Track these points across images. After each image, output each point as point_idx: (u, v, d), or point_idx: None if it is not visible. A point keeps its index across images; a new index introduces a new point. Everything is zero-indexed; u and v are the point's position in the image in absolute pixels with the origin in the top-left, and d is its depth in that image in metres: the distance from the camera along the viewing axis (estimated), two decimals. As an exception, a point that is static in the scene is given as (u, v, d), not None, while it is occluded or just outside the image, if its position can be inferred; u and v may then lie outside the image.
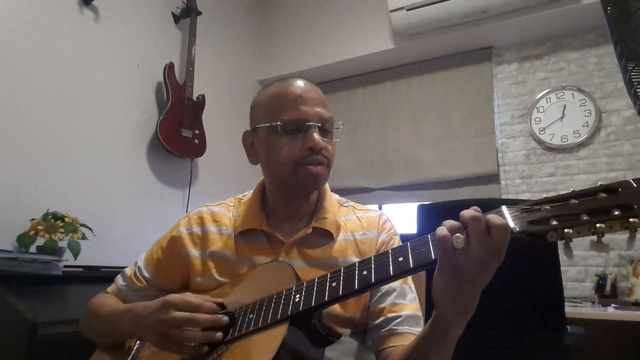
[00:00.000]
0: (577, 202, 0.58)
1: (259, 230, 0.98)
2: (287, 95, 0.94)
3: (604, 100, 2.65)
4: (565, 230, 0.57)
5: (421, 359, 0.78)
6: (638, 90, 1.17)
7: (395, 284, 0.94)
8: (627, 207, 0.55)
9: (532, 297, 1.59)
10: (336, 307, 0.90)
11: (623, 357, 2.21)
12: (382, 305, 0.92)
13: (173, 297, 0.81)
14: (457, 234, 0.61)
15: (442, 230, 0.63)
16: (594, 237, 0.56)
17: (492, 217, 0.62)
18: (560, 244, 0.59)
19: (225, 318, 0.80)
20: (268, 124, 0.94)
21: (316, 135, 0.91)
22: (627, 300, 2.24)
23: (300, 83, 0.96)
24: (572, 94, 2.73)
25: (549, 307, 1.58)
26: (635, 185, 0.56)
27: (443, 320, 0.70)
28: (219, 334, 0.78)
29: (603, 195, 0.57)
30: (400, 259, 0.68)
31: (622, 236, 2.45)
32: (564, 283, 1.63)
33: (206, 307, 0.80)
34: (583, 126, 2.66)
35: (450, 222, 0.64)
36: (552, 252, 1.56)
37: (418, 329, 0.91)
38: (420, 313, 0.94)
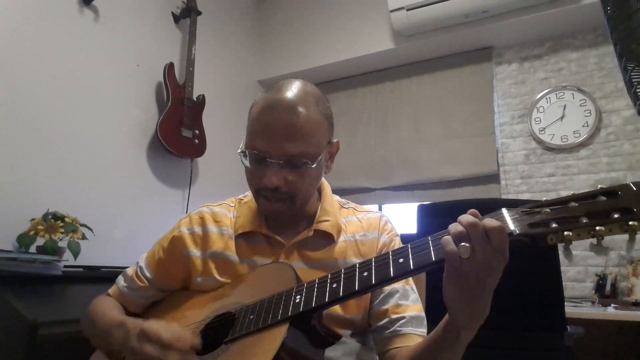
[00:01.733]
0: (577, 205, 0.59)
1: (259, 233, 0.98)
2: (260, 122, 0.89)
3: (604, 100, 2.65)
4: (565, 233, 0.57)
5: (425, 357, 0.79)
6: (638, 90, 1.17)
7: (398, 285, 0.94)
8: (627, 211, 0.55)
9: (532, 297, 1.58)
10: (337, 309, 0.90)
11: (623, 357, 2.21)
12: (385, 307, 0.92)
13: (149, 327, 0.78)
14: (463, 244, 0.62)
15: (448, 242, 0.63)
16: (594, 240, 0.56)
17: (488, 220, 0.62)
18: (560, 247, 0.59)
19: None
20: (243, 146, 0.93)
21: (271, 175, 0.87)
22: (627, 300, 2.25)
23: (281, 106, 0.88)
24: (572, 94, 2.73)
25: (549, 307, 1.58)
26: (635, 189, 0.57)
27: (455, 324, 0.71)
28: None
29: (603, 198, 0.58)
30: (401, 260, 0.68)
31: (622, 237, 2.43)
32: (564, 283, 1.63)
33: (177, 347, 0.76)
34: (583, 126, 2.66)
35: (454, 230, 0.64)
36: (552, 252, 1.56)
37: (422, 330, 0.91)
38: (423, 313, 0.94)
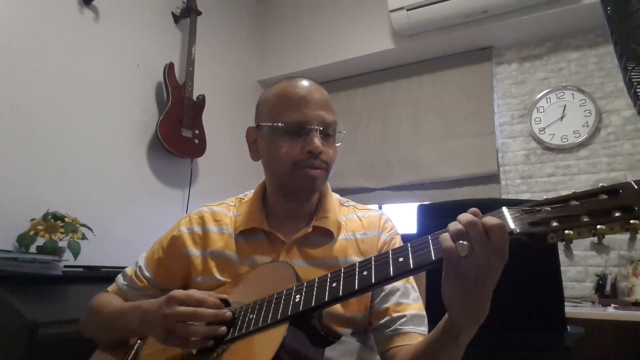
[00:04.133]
0: (577, 203, 0.58)
1: (259, 230, 0.99)
2: (291, 95, 0.94)
3: (604, 100, 2.65)
4: (566, 231, 0.56)
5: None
6: (638, 90, 1.17)
7: (398, 283, 0.94)
8: (628, 209, 0.54)
9: (532, 297, 1.58)
10: (337, 307, 0.90)
11: (623, 357, 2.21)
12: (386, 305, 0.92)
13: (177, 292, 0.81)
14: (461, 242, 0.61)
15: (446, 239, 0.63)
16: (595, 239, 0.56)
17: (488, 218, 0.62)
18: (561, 245, 0.59)
19: (229, 313, 0.80)
20: (270, 124, 0.94)
21: (316, 140, 0.91)
22: (627, 300, 2.25)
23: (305, 84, 0.96)
24: (572, 94, 2.73)
25: (549, 307, 1.58)
26: (636, 187, 0.56)
27: (455, 324, 0.71)
28: (223, 328, 0.79)
29: (604, 196, 0.57)
30: (401, 259, 0.68)
31: (622, 236, 2.43)
32: (564, 283, 1.62)
33: (209, 302, 0.80)
34: (583, 126, 2.66)
35: (453, 228, 0.63)
36: (552, 252, 1.56)
37: (423, 328, 0.91)
38: (423, 312, 0.94)
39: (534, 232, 0.59)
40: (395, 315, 0.91)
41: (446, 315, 0.73)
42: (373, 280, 0.69)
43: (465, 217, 0.63)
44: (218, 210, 1.05)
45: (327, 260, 0.95)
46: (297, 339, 0.73)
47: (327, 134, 0.95)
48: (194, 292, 0.81)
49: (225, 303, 0.85)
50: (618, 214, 0.54)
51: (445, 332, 0.74)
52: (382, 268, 0.69)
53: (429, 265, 0.66)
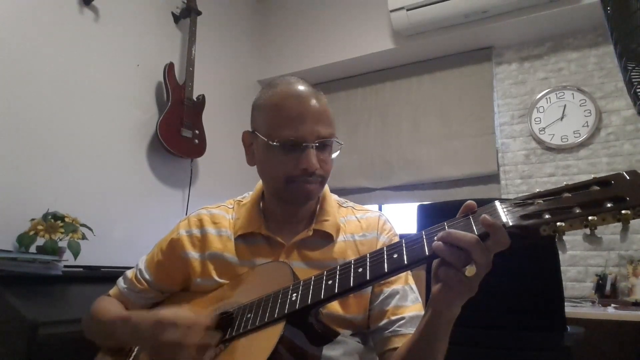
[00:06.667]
0: (570, 195, 0.58)
1: (258, 234, 0.99)
2: (286, 109, 0.91)
3: (604, 100, 2.65)
4: (558, 223, 0.56)
5: (421, 350, 0.79)
6: (638, 90, 1.17)
7: (398, 286, 0.95)
8: (620, 199, 0.54)
9: (532, 297, 1.58)
10: (337, 308, 0.90)
11: (623, 357, 2.21)
12: (385, 309, 0.93)
13: (165, 316, 0.79)
14: (466, 267, 0.62)
15: (449, 270, 0.64)
16: (587, 230, 0.56)
17: (492, 242, 0.61)
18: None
19: (217, 337, 0.78)
20: (265, 139, 0.92)
21: (312, 157, 0.89)
22: (627, 300, 2.24)
23: (301, 93, 0.93)
24: (572, 94, 2.73)
25: (549, 307, 1.58)
26: (628, 178, 0.56)
27: (445, 318, 0.73)
28: (211, 352, 0.77)
29: (596, 188, 0.57)
30: (395, 255, 0.68)
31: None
32: (564, 283, 1.62)
33: (196, 329, 0.77)
34: (583, 126, 2.66)
35: (456, 259, 0.63)
36: (551, 252, 1.56)
37: None
38: (422, 312, 0.94)
39: (526, 224, 0.59)
40: (393, 318, 0.91)
41: (430, 313, 0.74)
42: (368, 277, 0.69)
43: (464, 240, 0.62)
44: (216, 213, 1.05)
45: (326, 262, 0.95)
46: (295, 337, 0.74)
47: (324, 145, 0.93)
48: (180, 319, 0.78)
49: (222, 314, 0.84)
50: (610, 204, 0.54)
51: (436, 327, 0.75)
52: (377, 264, 0.69)
53: (423, 260, 0.66)
